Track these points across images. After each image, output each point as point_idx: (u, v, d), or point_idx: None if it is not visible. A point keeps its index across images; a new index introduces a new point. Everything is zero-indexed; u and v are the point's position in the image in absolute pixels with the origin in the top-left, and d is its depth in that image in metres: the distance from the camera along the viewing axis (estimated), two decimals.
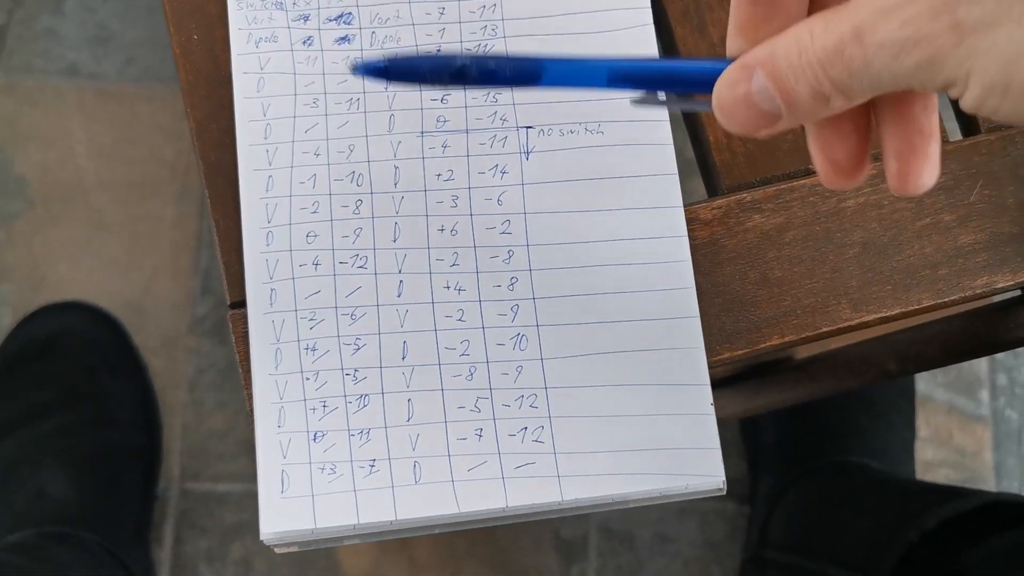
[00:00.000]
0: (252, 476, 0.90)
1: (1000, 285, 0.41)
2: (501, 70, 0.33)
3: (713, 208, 0.41)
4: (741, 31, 0.29)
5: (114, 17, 0.97)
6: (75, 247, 0.93)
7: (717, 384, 0.39)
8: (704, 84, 0.31)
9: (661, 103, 0.32)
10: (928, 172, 0.28)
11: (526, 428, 0.37)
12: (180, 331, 0.91)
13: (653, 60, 0.34)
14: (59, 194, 0.94)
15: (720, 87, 0.28)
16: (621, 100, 0.40)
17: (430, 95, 0.40)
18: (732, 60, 0.29)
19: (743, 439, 0.86)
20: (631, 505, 0.38)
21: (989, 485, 0.92)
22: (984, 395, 0.93)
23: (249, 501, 0.89)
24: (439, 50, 0.41)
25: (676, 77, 0.32)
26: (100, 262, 0.93)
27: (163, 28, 0.97)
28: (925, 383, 0.92)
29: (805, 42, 0.26)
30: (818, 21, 0.26)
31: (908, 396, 0.85)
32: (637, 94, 0.32)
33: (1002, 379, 0.93)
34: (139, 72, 0.97)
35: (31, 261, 0.93)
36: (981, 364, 0.94)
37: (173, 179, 0.94)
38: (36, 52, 0.97)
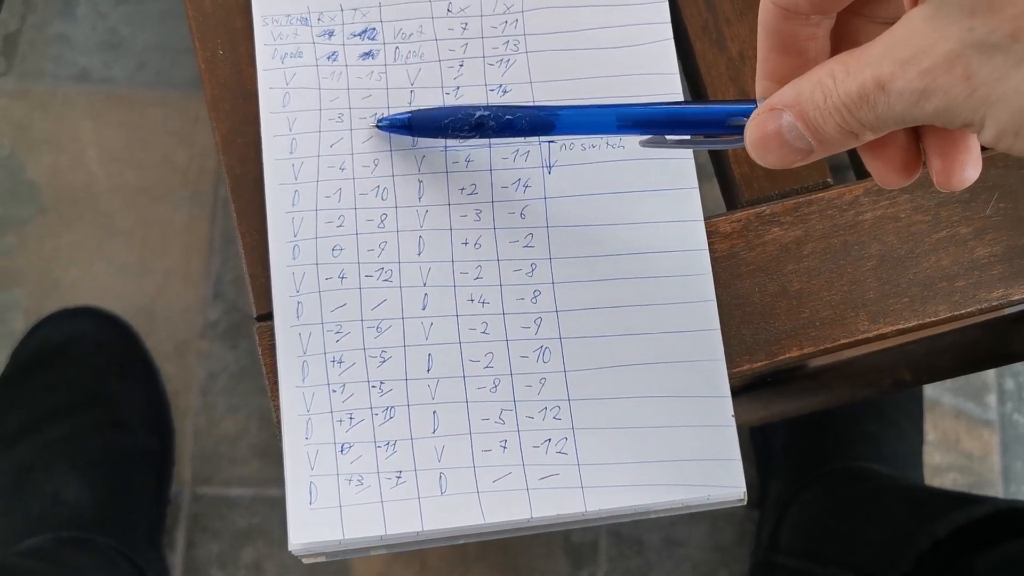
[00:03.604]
0: (264, 480, 0.91)
1: (1016, 297, 0.41)
2: (518, 120, 0.36)
3: (732, 221, 0.41)
4: (769, 76, 0.31)
5: (125, 22, 0.98)
6: (86, 252, 0.93)
7: (732, 392, 0.39)
8: (705, 125, 0.34)
9: (667, 145, 0.34)
10: (971, 166, 0.29)
11: (550, 440, 0.38)
12: (192, 335, 0.92)
13: (657, 105, 0.35)
14: (70, 199, 0.94)
15: (751, 127, 0.30)
16: None
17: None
18: (724, 103, 0.33)
19: (753, 443, 0.87)
20: (653, 515, 0.38)
21: (996, 489, 0.92)
22: (992, 400, 0.93)
23: (260, 505, 0.89)
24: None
25: (679, 120, 0.35)
26: (111, 267, 0.93)
27: (174, 33, 0.97)
28: (933, 388, 0.92)
29: (828, 86, 0.27)
30: (838, 65, 0.27)
31: (917, 401, 0.86)
32: (645, 136, 0.35)
33: (1009, 384, 0.94)
34: (150, 77, 0.97)
35: (42, 266, 0.93)
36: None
37: (184, 184, 0.95)
38: (48, 57, 0.97)
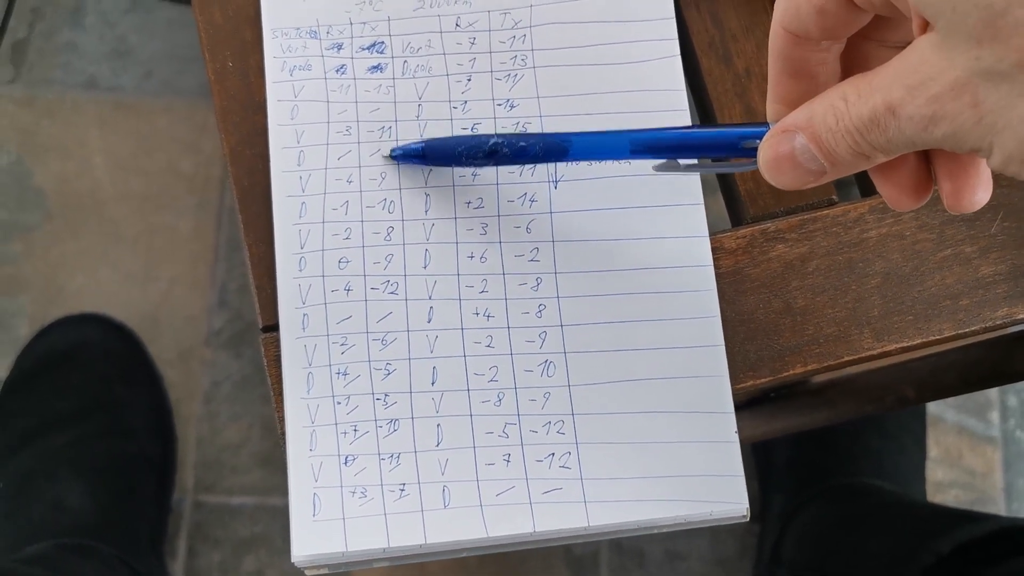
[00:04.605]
0: (266, 489, 0.91)
1: (1021, 316, 0.41)
2: (532, 147, 0.36)
3: (737, 237, 0.41)
4: (780, 100, 0.32)
5: (133, 31, 0.98)
6: (92, 259, 0.94)
7: (735, 408, 0.39)
8: (718, 148, 0.34)
9: (681, 169, 0.35)
10: (982, 189, 0.29)
11: (553, 454, 0.38)
12: (196, 343, 0.92)
13: (671, 130, 0.36)
14: (77, 206, 0.95)
15: (764, 149, 0.30)
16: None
17: (461, 124, 0.41)
18: (736, 126, 0.33)
19: (755, 457, 0.87)
20: (655, 531, 0.38)
21: (999, 506, 0.92)
22: (994, 416, 0.93)
23: (262, 514, 0.89)
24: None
25: (692, 144, 0.35)
26: (117, 274, 0.93)
27: (181, 42, 0.98)
28: (936, 404, 0.92)
29: (841, 109, 0.28)
30: (850, 88, 0.28)
31: (919, 417, 0.86)
32: (658, 161, 0.35)
33: (1012, 401, 0.94)
34: (157, 85, 0.97)
35: (48, 272, 0.93)
36: None
37: (190, 191, 0.95)
38: (56, 65, 0.98)
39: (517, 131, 0.41)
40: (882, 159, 0.28)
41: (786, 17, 0.30)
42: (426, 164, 0.39)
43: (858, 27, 0.30)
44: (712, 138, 0.34)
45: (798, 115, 0.29)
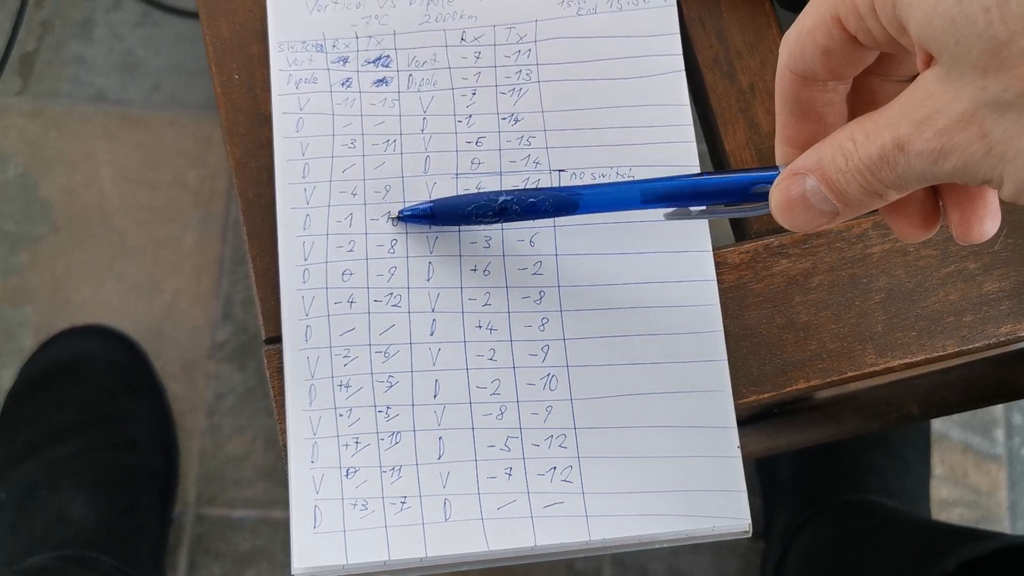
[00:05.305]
0: (268, 502, 0.91)
1: None
2: (541, 203, 0.36)
3: (741, 252, 0.41)
4: (789, 142, 0.32)
5: (141, 44, 0.99)
6: (97, 270, 0.94)
7: (738, 423, 0.39)
8: (729, 195, 0.34)
9: (692, 216, 0.35)
10: (990, 219, 0.29)
11: (555, 468, 0.38)
12: (200, 356, 0.92)
13: (681, 178, 0.36)
14: (83, 218, 0.95)
15: (776, 193, 0.30)
16: (650, 144, 0.41)
17: (465, 138, 0.41)
18: (747, 171, 0.34)
19: (758, 474, 0.87)
20: (657, 546, 0.38)
21: (1003, 524, 0.92)
22: (999, 434, 0.93)
23: (264, 527, 0.89)
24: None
25: (703, 191, 0.35)
26: (122, 286, 0.94)
27: (189, 56, 0.98)
28: (941, 421, 0.92)
29: (849, 149, 0.28)
30: (858, 128, 0.28)
31: (924, 434, 0.86)
32: (670, 209, 0.35)
33: (1017, 419, 0.93)
34: (165, 99, 0.98)
35: (53, 283, 0.94)
36: None
37: (196, 204, 0.95)
38: (64, 77, 0.98)
39: (521, 147, 0.41)
40: (895, 196, 0.28)
41: (792, 59, 0.30)
42: (434, 224, 0.39)
43: (863, 66, 0.30)
44: (723, 184, 0.34)
45: (808, 158, 0.29)
